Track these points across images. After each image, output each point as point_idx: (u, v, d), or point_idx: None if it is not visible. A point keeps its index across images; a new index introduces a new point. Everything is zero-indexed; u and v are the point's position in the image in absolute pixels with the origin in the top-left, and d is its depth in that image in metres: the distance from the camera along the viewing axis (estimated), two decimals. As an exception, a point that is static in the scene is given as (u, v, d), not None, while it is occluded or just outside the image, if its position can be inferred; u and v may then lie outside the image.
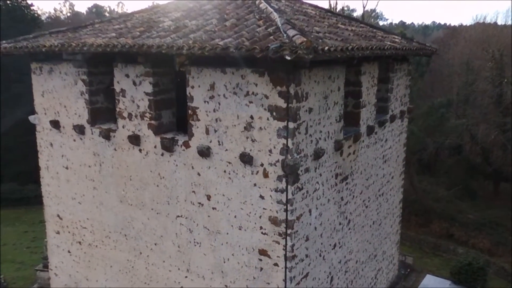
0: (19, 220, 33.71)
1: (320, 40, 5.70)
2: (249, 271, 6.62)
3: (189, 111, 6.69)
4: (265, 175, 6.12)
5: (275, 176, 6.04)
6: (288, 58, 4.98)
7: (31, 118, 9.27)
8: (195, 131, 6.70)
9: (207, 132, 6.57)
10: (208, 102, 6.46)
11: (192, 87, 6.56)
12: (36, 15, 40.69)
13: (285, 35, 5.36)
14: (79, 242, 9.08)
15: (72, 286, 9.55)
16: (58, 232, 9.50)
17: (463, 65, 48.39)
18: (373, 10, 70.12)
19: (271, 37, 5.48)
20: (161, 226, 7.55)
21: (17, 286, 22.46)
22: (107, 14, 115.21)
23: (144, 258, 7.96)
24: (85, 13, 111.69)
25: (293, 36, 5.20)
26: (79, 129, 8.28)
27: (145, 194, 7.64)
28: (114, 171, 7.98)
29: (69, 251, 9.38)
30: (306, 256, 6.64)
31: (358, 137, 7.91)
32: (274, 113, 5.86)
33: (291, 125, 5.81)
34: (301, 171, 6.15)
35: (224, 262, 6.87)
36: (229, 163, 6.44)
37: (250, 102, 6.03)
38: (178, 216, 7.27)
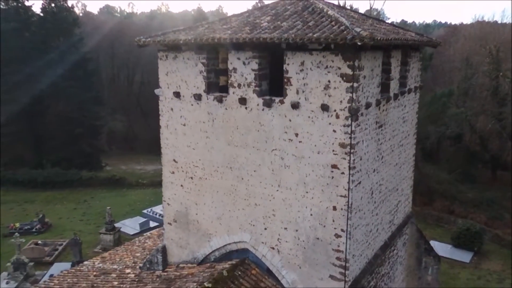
0: (66, 200, 37.90)
1: (374, 33, 9.61)
2: (324, 180, 10.52)
3: (285, 80, 10.60)
4: (337, 116, 10.02)
5: (344, 117, 9.95)
6: (359, 43, 8.90)
7: (157, 91, 13.18)
8: (289, 92, 10.61)
9: (297, 92, 10.47)
10: (298, 73, 10.37)
11: (288, 64, 10.46)
12: (76, 17, 44.66)
13: (353, 30, 9.25)
14: (191, 178, 12.98)
15: (183, 210, 13.46)
16: (173, 172, 13.40)
17: (463, 61, 52.41)
18: (375, 10, 73.93)
19: (345, 32, 9.38)
20: (260, 158, 11.46)
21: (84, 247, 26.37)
22: (117, 15, 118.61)
23: (245, 182, 11.87)
24: (97, 13, 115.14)
25: (360, 31, 9.11)
26: (197, 97, 12.19)
27: (248, 137, 11.55)
28: (224, 124, 11.89)
29: (181, 185, 13.29)
30: (360, 170, 10.55)
31: (389, 99, 11.81)
32: (344, 78, 9.76)
33: (355, 85, 9.71)
34: (359, 114, 10.05)
35: (306, 176, 10.77)
36: (312, 111, 10.35)
37: (328, 72, 9.94)
38: (273, 150, 11.18)
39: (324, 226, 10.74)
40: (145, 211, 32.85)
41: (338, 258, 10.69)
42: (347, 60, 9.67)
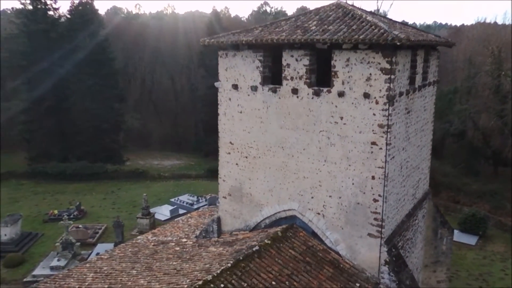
0: (94, 191, 40.32)
1: (409, 35, 12.04)
2: (364, 154, 12.93)
3: (332, 73, 13.00)
4: (376, 102, 12.42)
5: (382, 103, 12.35)
6: (398, 44, 11.31)
7: (216, 84, 15.57)
8: (335, 83, 13.01)
9: (343, 83, 12.88)
10: (344, 68, 12.78)
11: (335, 60, 12.87)
12: (101, 18, 47.06)
13: (392, 33, 11.66)
14: (246, 157, 15.39)
15: (237, 185, 15.86)
16: (229, 153, 15.80)
17: (466, 61, 54.90)
18: (377, 11, 76.34)
19: (385, 34, 11.78)
20: (308, 138, 13.86)
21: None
22: (122, 15, 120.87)
23: (295, 159, 14.27)
24: (104, 14, 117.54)
25: (398, 34, 11.52)
26: (254, 88, 14.59)
27: (298, 121, 13.95)
28: (277, 110, 14.29)
29: (236, 164, 15.69)
30: (394, 146, 12.95)
31: (414, 90, 14.22)
32: (383, 71, 12.17)
33: (392, 77, 12.12)
34: (394, 100, 12.46)
35: (349, 152, 13.18)
36: (356, 98, 12.75)
37: (370, 66, 12.34)
38: (320, 131, 13.58)
39: (364, 193, 13.15)
40: (172, 200, 35.23)
41: (375, 219, 13.10)
42: (386, 57, 12.09)
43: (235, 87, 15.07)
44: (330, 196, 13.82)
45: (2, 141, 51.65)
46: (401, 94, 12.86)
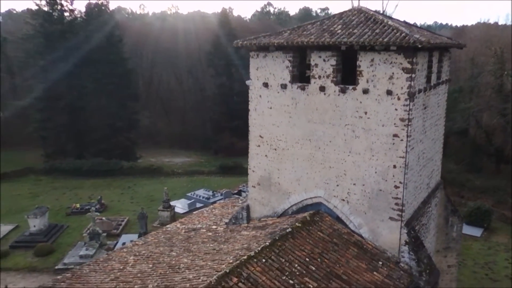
0: (111, 186, 41.80)
1: (429, 39, 13.47)
2: (386, 145, 14.34)
3: (357, 72, 14.41)
4: (398, 98, 13.84)
5: (403, 99, 13.77)
6: (419, 46, 12.74)
7: (247, 82, 16.98)
8: (360, 82, 14.43)
9: (367, 81, 14.30)
10: (369, 67, 14.19)
11: (360, 61, 14.29)
12: (116, 20, 48.54)
13: (413, 37, 13.08)
14: (275, 149, 16.80)
15: (266, 175, 17.28)
16: (258, 145, 17.21)
17: (468, 61, 56.29)
18: (384, 11, 77.81)
19: (407, 37, 13.20)
20: (335, 131, 15.27)
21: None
22: (126, 15, 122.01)
23: (322, 150, 15.68)
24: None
25: (418, 37, 12.94)
26: (283, 86, 16.00)
27: (325, 116, 15.36)
28: (305, 106, 15.70)
29: (266, 155, 17.10)
30: (413, 138, 14.37)
31: (430, 88, 15.64)
32: (405, 70, 13.59)
33: (413, 76, 13.54)
34: (414, 97, 13.89)
35: (372, 143, 14.59)
36: (379, 95, 14.17)
37: (393, 66, 13.76)
38: (346, 125, 14.99)
39: (386, 181, 14.58)
40: (188, 194, 36.69)
41: (396, 204, 14.52)
42: (407, 57, 13.52)
43: (265, 85, 16.48)
44: (354, 184, 15.24)
45: (17, 138, 53.15)
46: (419, 91, 14.29)
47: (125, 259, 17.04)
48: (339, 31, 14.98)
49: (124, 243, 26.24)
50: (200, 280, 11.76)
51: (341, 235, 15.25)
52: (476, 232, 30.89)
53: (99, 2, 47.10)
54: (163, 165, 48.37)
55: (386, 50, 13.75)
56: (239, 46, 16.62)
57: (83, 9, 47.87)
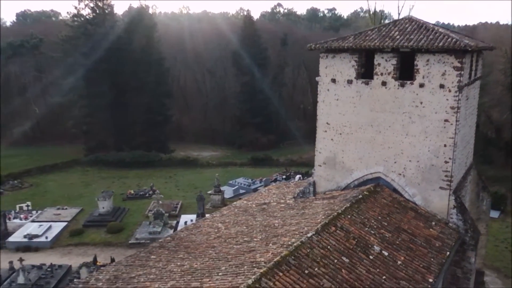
0: (154, 176, 45.46)
1: (477, 43, 17.02)
2: (439, 129, 17.88)
3: (415, 70, 17.97)
4: (449, 91, 17.40)
5: (454, 91, 17.32)
6: (469, 49, 16.31)
7: (317, 78, 20.51)
8: (417, 77, 17.97)
9: (423, 77, 17.85)
10: (425, 66, 17.74)
11: (418, 60, 17.84)
12: (155, 22, 52.11)
13: (463, 42, 16.63)
14: (340, 134, 20.33)
15: (331, 156, 20.82)
16: (325, 131, 20.74)
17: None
18: (382, 11, 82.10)
19: (457, 42, 16.76)
20: (394, 118, 18.81)
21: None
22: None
23: (382, 134, 19.22)
24: (121, 14, 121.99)
25: (468, 42, 16.51)
26: (349, 81, 19.54)
27: (386, 106, 18.90)
28: (368, 98, 19.24)
29: (332, 139, 20.63)
30: (460, 123, 17.93)
31: (470, 83, 19.20)
32: (455, 68, 17.14)
33: (461, 73, 17.10)
34: (463, 89, 17.44)
35: (427, 127, 18.14)
36: (433, 88, 17.72)
37: (445, 65, 17.31)
38: (403, 112, 18.53)
39: (437, 157, 18.13)
40: (230, 182, 40.26)
41: (446, 176, 18.08)
42: (458, 58, 17.08)
43: (333, 80, 20.02)
44: (410, 161, 18.79)
45: (58, 133, 56.76)
46: (465, 85, 17.86)
47: (214, 225, 20.44)
48: (398, 36, 18.54)
49: (185, 222, 29.77)
50: (305, 229, 15.28)
51: (399, 202, 18.81)
52: (494, 214, 34.42)
53: (139, 6, 50.67)
54: (197, 158, 51.98)
55: (440, 52, 17.31)
56: (312, 49, 20.14)
57: (122, 12, 51.34)
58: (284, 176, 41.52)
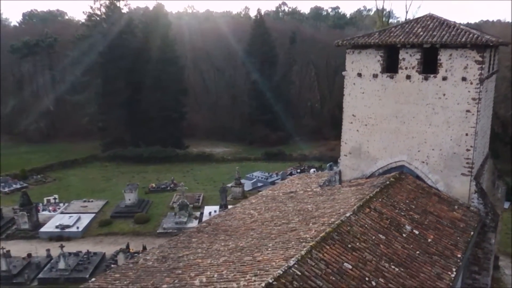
0: (172, 170, 46.73)
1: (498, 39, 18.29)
2: (460, 119, 19.15)
3: (438, 64, 19.23)
4: (471, 83, 18.67)
5: (475, 84, 18.59)
6: (491, 44, 17.58)
7: (344, 73, 21.78)
8: (440, 71, 19.24)
9: (446, 71, 19.11)
10: (447, 60, 19.01)
11: (441, 55, 19.11)
12: (170, 21, 53.37)
13: (484, 37, 17.90)
14: (365, 125, 21.60)
15: (356, 146, 22.08)
16: (351, 122, 22.01)
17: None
18: (384, 9, 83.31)
19: (479, 38, 18.02)
20: (417, 110, 20.07)
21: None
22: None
23: (406, 124, 20.48)
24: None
25: (489, 38, 17.77)
26: (374, 75, 20.80)
27: (410, 98, 20.17)
28: (393, 91, 20.50)
29: (357, 130, 21.90)
30: (480, 113, 19.20)
31: (489, 76, 20.46)
32: (477, 62, 18.40)
33: (482, 66, 18.37)
34: (483, 82, 18.71)
35: (449, 118, 19.40)
36: (455, 81, 18.98)
37: (467, 59, 18.58)
38: (427, 104, 19.80)
39: (459, 145, 19.41)
40: (247, 175, 41.56)
41: (467, 163, 19.36)
42: (479, 52, 18.35)
43: (359, 75, 21.29)
44: (433, 149, 20.07)
45: (71, 131, 58.04)
46: (487, 78, 19.13)
47: (247, 212, 21.67)
48: (421, 33, 19.81)
49: (210, 213, 31.06)
50: (341, 211, 16.58)
51: (423, 188, 20.09)
52: (505, 204, 35.69)
53: (155, 5, 51.89)
54: (212, 153, 53.32)
55: (462, 47, 18.58)
56: (339, 45, 21.41)
57: (135, 8, 52.63)
58: (298, 170, 42.80)
